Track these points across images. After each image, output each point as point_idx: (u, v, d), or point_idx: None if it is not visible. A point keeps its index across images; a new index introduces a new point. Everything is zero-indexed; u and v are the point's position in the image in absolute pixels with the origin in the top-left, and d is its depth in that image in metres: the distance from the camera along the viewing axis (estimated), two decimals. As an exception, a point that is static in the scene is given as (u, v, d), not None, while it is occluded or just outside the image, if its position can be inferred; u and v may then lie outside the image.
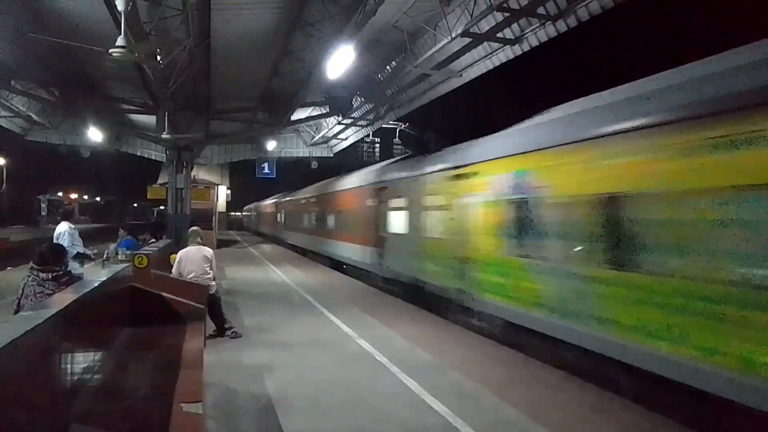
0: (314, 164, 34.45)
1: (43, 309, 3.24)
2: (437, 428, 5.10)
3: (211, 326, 8.40)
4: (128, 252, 9.57)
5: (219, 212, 32.41)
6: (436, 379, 6.52)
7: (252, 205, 58.12)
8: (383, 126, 28.80)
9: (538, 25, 12.80)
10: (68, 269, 5.24)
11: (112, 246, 11.81)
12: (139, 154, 31.94)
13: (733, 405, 4.62)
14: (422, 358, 7.56)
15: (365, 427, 5.12)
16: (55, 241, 8.21)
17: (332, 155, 34.64)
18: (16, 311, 4.59)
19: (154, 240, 13.81)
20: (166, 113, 17.95)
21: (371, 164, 23.80)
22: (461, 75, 16.94)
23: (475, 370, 6.88)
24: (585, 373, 6.59)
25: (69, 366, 3.34)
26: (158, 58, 12.65)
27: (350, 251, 17.52)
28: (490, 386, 6.23)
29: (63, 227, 8.84)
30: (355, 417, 5.34)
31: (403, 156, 15.57)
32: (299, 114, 22.92)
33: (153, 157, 31.55)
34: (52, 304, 3.45)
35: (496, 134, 9.53)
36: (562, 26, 12.29)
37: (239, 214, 73.14)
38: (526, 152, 7.97)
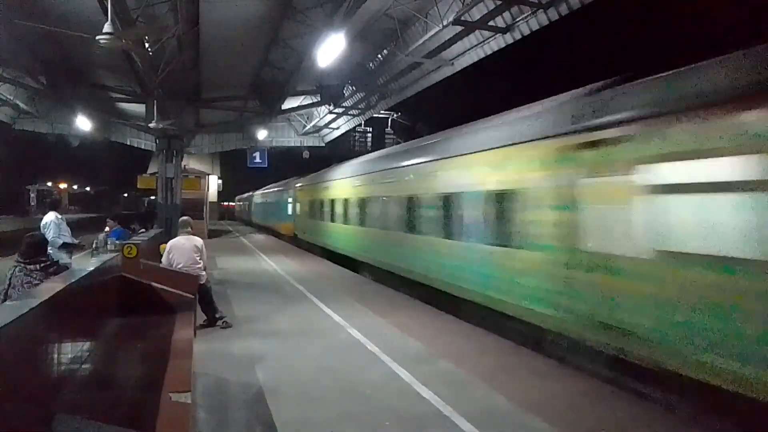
0: (306, 153, 34.34)
1: (30, 298, 3.20)
2: (428, 417, 5.12)
3: (201, 316, 8.38)
4: (117, 242, 9.48)
5: (210, 202, 32.25)
6: (427, 368, 6.54)
7: (244, 195, 59.15)
8: (375, 115, 28.76)
9: (529, 13, 12.77)
10: (55, 260, 5.20)
11: (101, 235, 11.70)
12: (128, 143, 31.61)
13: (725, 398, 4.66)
14: (413, 347, 7.58)
15: (356, 416, 5.13)
16: (41, 230, 8.13)
17: (324, 145, 34.53)
18: (3, 301, 4.55)
19: (143, 230, 13.72)
20: (155, 102, 17.77)
21: (363, 154, 24.39)
22: (453, 64, 16.89)
23: (466, 359, 6.91)
24: (576, 362, 6.63)
25: (57, 356, 3.31)
26: (146, 45, 12.50)
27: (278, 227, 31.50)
28: (481, 375, 6.25)
29: (50, 217, 8.74)
30: (346, 406, 5.35)
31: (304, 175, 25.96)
32: (290, 103, 22.79)
33: (143, 147, 31.27)
34: (39, 294, 3.41)
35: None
36: (553, 14, 12.27)
37: (231, 203, 72.90)
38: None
